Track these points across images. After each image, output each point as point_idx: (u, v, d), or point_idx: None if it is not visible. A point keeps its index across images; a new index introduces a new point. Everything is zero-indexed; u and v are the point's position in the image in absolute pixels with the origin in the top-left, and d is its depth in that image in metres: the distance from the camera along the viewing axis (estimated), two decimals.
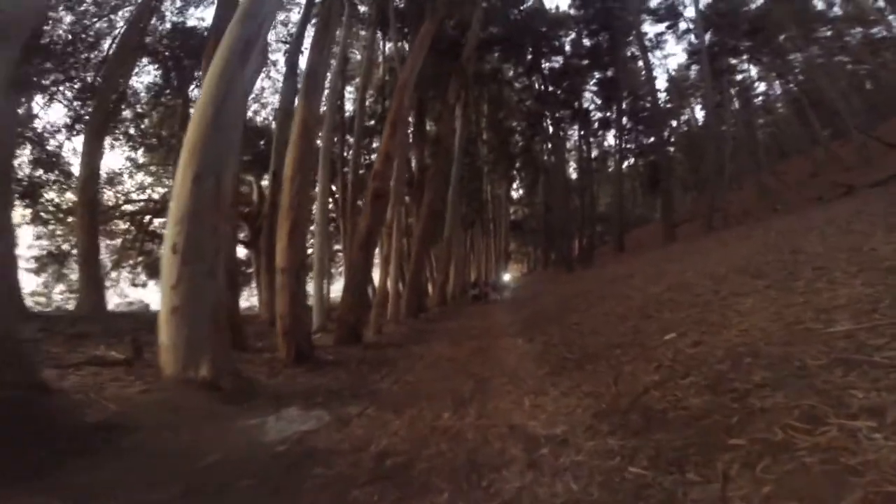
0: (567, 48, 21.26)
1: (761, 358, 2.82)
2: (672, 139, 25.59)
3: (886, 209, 6.98)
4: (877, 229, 5.44)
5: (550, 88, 21.35)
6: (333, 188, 15.84)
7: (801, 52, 24.84)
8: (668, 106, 25.57)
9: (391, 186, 8.55)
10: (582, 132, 24.86)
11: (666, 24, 21.30)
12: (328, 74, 10.32)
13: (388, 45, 15.35)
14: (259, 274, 13.19)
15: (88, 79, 11.98)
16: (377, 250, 9.87)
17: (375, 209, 7.65)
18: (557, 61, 21.13)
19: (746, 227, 12.84)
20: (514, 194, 37.91)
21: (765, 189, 23.64)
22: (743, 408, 2.31)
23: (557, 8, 21.03)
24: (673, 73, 29.51)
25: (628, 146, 26.03)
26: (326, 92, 10.59)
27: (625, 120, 24.68)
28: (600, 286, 10.66)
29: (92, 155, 10.35)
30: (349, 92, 19.01)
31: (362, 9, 13.84)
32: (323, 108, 9.36)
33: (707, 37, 19.36)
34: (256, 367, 5.45)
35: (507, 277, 31.07)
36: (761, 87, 30.95)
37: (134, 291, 21.52)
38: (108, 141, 13.88)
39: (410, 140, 16.97)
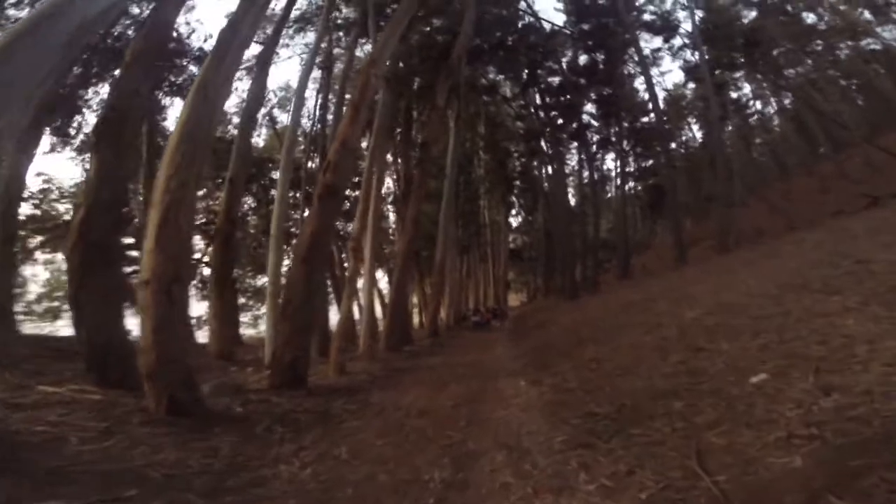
0: (564, 64, 20.53)
1: None
2: (674, 160, 24.63)
3: None
4: None
5: (548, 101, 20.47)
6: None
7: (795, 68, 24.58)
8: (667, 126, 24.81)
9: (347, 183, 7.02)
10: (582, 155, 24.04)
11: (662, 37, 20.72)
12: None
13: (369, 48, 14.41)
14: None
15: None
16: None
17: (325, 209, 5.95)
18: (555, 77, 20.36)
19: (768, 246, 11.61)
20: (513, 221, 36.96)
21: (775, 207, 22.74)
22: None
23: (553, 26, 20.19)
24: (669, 91, 29.00)
25: (629, 169, 25.19)
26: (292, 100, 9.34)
27: (625, 143, 23.96)
28: (614, 313, 9.20)
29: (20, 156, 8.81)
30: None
31: (343, 11, 13.05)
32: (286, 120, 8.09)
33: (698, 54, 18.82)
34: (91, 420, 3.48)
35: (506, 305, 30.13)
36: (757, 104, 30.66)
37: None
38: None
39: (397, 150, 15.88)
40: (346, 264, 13.73)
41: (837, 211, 14.40)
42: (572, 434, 3.27)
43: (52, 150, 14.52)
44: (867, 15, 22.08)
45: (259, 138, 20.39)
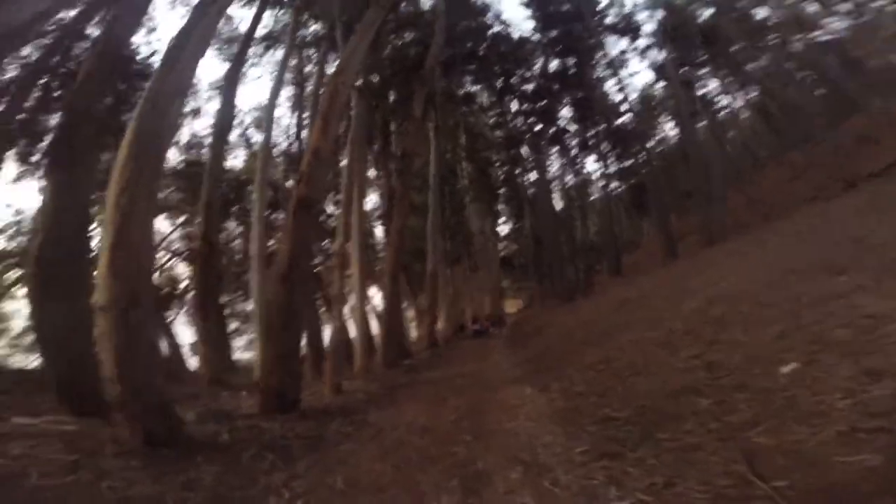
0: (537, 70, 20.76)
1: None
2: (652, 158, 24.99)
3: None
4: None
5: (525, 107, 20.60)
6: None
7: (753, 62, 25.41)
8: (642, 126, 25.26)
9: (323, 195, 6.67)
10: (563, 159, 24.21)
11: (627, 38, 21.17)
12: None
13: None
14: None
15: None
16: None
17: (301, 223, 5.50)
18: (529, 84, 20.56)
19: (753, 236, 11.69)
20: (503, 230, 37.02)
21: (751, 199, 23.17)
22: None
23: (521, 35, 20.46)
24: (640, 92, 29.64)
25: (610, 170, 25.42)
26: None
27: (603, 145, 24.23)
28: (611, 312, 9.03)
29: None
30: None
31: (311, 27, 12.89)
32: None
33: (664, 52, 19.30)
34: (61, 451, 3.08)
35: (504, 312, 29.78)
36: (724, 100, 31.47)
37: None
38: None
39: (378, 164, 15.62)
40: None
41: (812, 197, 14.73)
42: (592, 443, 2.99)
43: (19, 178, 13.94)
44: (813, 8, 23.09)
45: (237, 160, 20.08)
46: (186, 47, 3.82)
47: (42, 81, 9.41)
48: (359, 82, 9.16)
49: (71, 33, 8.59)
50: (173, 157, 16.59)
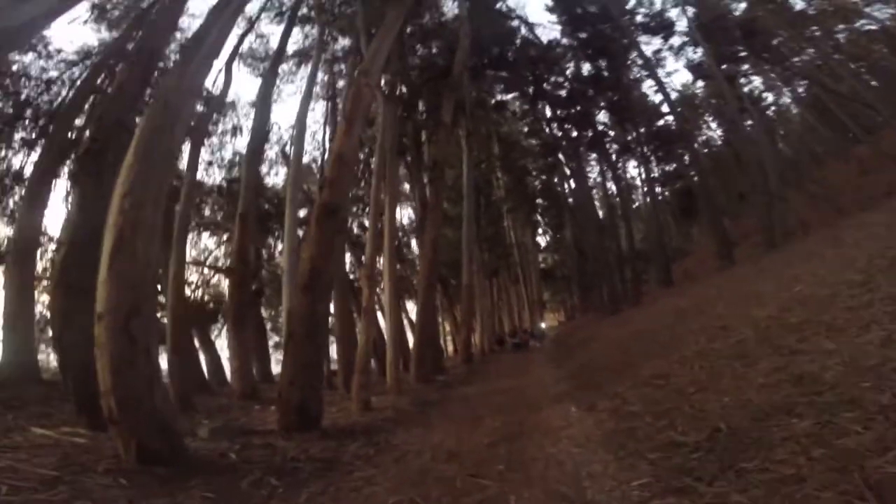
0: (569, 74, 20.21)
1: None
2: (701, 160, 23.63)
3: None
4: None
5: (559, 113, 20.02)
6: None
7: (799, 55, 23.80)
8: (684, 127, 24.04)
9: (347, 201, 6.34)
10: (603, 165, 23.40)
11: (660, 37, 20.23)
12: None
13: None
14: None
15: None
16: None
17: (324, 231, 5.10)
18: (562, 90, 20.00)
19: (825, 234, 10.52)
20: (542, 241, 36.21)
21: (815, 196, 21.40)
22: None
23: (551, 41, 20.06)
24: (679, 91, 28.28)
25: (654, 175, 24.26)
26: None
27: (644, 148, 23.21)
28: (666, 323, 8.22)
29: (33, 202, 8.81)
30: None
31: (339, 42, 13.16)
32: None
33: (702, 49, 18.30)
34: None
35: (543, 325, 29.00)
36: (770, 96, 29.58)
37: None
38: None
39: (412, 175, 15.49)
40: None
41: (888, 192, 13.48)
42: (654, 474, 2.45)
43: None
44: None
45: (277, 177, 20.73)
46: (201, 47, 3.76)
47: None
48: (384, 85, 9.04)
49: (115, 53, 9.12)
50: (215, 175, 17.34)
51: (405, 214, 23.01)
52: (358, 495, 2.98)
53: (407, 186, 19.88)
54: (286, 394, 4.92)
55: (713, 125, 32.38)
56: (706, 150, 31.71)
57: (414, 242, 20.68)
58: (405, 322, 17.38)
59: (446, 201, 15.98)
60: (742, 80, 23.48)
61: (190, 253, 20.78)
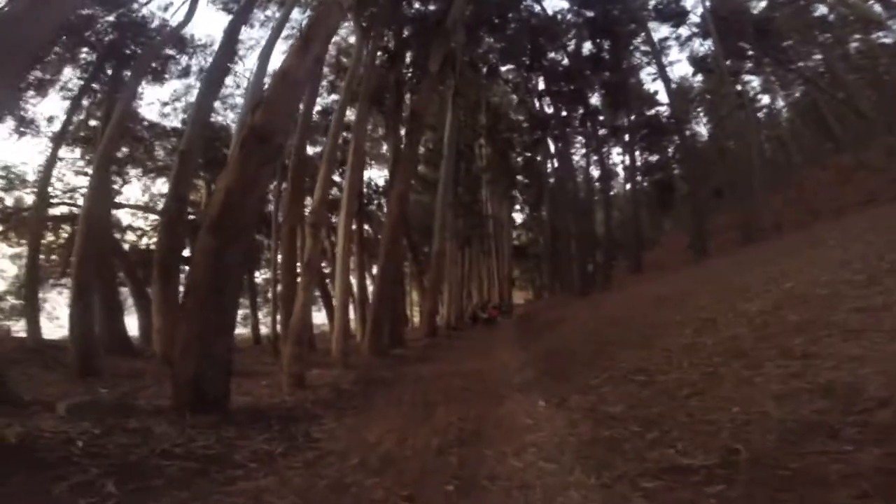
0: (568, 50, 19.30)
1: None
2: (688, 151, 23.50)
3: None
4: None
5: (553, 88, 19.19)
6: None
7: (804, 61, 23.83)
8: (676, 118, 23.82)
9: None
10: (589, 147, 22.91)
11: (669, 24, 19.58)
12: None
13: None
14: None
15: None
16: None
17: (249, 159, 3.99)
18: (560, 66, 19.11)
19: (807, 233, 10.44)
20: (518, 217, 35.86)
21: (790, 199, 21.77)
22: None
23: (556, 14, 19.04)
24: (676, 83, 27.94)
25: (639, 162, 24.04)
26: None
27: (632, 135, 22.85)
28: (643, 311, 7.79)
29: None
30: None
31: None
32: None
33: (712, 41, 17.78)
34: None
35: (512, 302, 29.13)
36: (765, 98, 29.75)
37: None
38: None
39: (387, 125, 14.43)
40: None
41: (869, 199, 13.64)
42: None
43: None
44: (878, 8, 21.22)
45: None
46: None
47: None
48: (363, 21, 7.86)
49: None
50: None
51: (380, 176, 21.90)
52: None
53: (384, 148, 18.74)
54: (179, 366, 3.89)
55: (703, 120, 32.41)
56: (691, 144, 31.77)
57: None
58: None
59: (425, 164, 15.04)
60: (742, 78, 23.31)
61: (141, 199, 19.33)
